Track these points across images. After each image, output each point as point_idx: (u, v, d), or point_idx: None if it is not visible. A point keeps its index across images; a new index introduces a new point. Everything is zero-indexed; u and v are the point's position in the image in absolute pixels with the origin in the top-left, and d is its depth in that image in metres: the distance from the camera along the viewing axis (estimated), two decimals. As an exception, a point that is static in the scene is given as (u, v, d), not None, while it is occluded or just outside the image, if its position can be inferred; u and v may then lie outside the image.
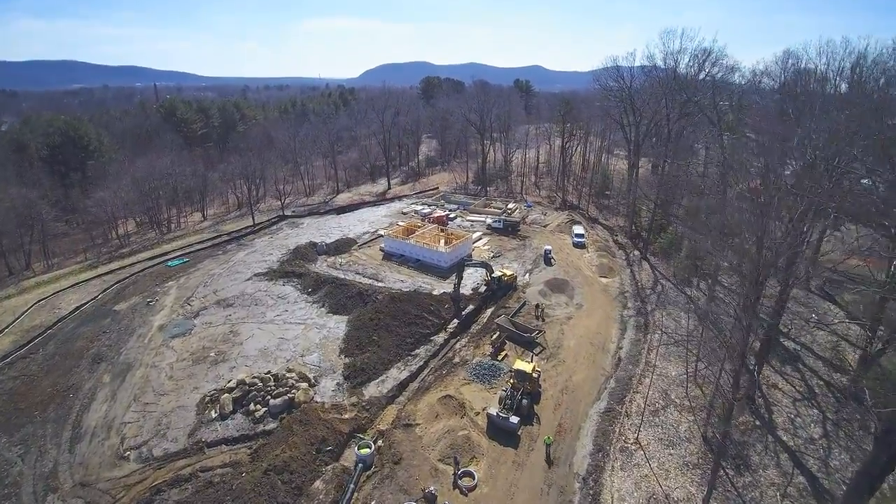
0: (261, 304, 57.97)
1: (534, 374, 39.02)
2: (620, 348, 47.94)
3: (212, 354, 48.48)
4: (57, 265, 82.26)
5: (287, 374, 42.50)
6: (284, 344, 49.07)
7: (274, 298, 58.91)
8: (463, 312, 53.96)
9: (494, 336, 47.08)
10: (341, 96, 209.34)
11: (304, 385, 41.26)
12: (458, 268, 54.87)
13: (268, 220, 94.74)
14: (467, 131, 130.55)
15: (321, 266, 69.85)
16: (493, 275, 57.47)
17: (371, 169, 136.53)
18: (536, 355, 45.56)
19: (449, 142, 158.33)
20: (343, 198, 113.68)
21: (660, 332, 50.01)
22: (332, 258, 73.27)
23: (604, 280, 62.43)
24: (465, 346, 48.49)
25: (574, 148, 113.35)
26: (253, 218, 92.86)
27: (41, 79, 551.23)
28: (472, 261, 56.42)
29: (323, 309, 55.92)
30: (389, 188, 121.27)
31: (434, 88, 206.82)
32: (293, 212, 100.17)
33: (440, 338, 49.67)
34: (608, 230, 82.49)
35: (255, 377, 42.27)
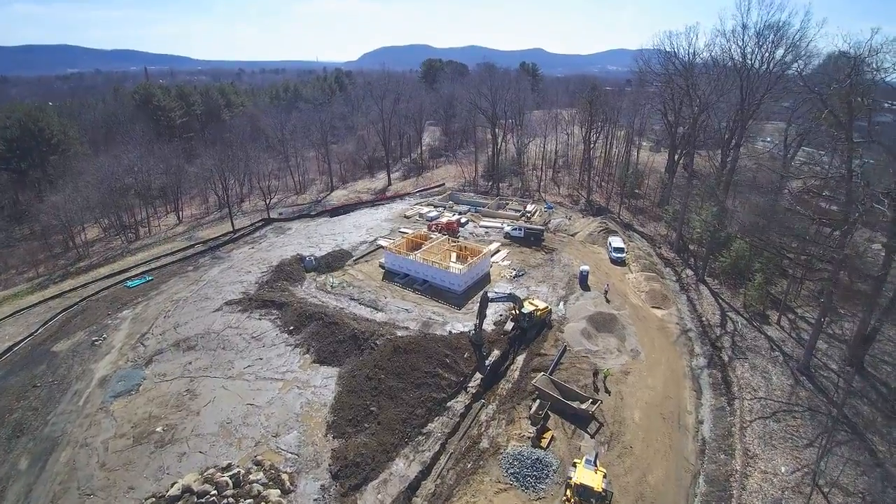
0: (229, 347, 45.98)
1: (603, 490, 27.24)
2: (701, 422, 36.11)
3: (159, 429, 36.67)
4: (5, 282, 70.39)
5: (252, 474, 30.65)
6: (254, 414, 37.19)
7: (246, 339, 46.89)
8: (486, 362, 42.05)
9: (534, 407, 35.09)
10: (337, 80, 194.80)
11: (275, 493, 29.48)
12: (481, 302, 42.80)
13: (250, 225, 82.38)
14: (475, 118, 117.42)
15: (308, 288, 57.86)
16: (522, 309, 45.41)
17: (369, 162, 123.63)
18: (592, 436, 33.75)
19: (454, 131, 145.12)
20: (338, 195, 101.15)
21: (748, 395, 38.18)
22: (323, 277, 61.25)
23: (658, 312, 50.32)
24: (493, 417, 36.57)
25: (595, 138, 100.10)
26: (232, 223, 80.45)
27: (35, 64, 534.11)
28: (496, 293, 44.46)
29: (307, 356, 43.95)
30: (390, 184, 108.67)
31: (436, 72, 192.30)
32: (280, 214, 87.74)
33: (459, 403, 37.76)
34: (648, 240, 70.12)
35: (207, 478, 30.45)
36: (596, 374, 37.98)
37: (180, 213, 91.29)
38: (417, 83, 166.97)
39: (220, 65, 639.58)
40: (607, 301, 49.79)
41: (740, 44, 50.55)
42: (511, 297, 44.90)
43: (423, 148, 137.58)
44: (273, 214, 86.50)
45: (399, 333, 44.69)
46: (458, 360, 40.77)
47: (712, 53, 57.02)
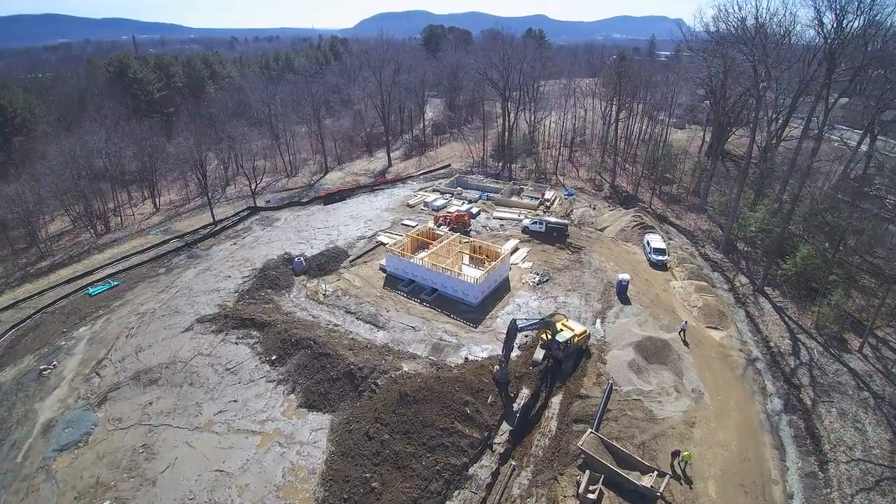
0: (198, 382, 37.88)
1: None
2: (791, 496, 28.26)
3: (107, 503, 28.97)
4: (-42, 283, 62.06)
5: None
6: (224, 486, 29.32)
7: (219, 372, 38.76)
8: (515, 406, 34.09)
9: (583, 482, 27.11)
10: (332, 48, 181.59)
11: None
12: (508, 333, 34.53)
13: (234, 215, 73.43)
14: (483, 91, 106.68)
15: (297, 298, 49.74)
16: (556, 336, 37.17)
17: (367, 139, 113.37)
18: (660, 525, 25.94)
19: (459, 104, 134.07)
20: (333, 178, 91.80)
21: (843, 455, 30.26)
22: (314, 282, 53.00)
23: (716, 335, 42.02)
24: (528, 491, 28.68)
25: (619, 114, 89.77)
26: (213, 214, 71.36)
27: (24, 34, 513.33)
28: (527, 321, 36.15)
29: (292, 397, 35.92)
30: (390, 164, 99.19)
31: (439, 39, 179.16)
32: (267, 202, 78.62)
33: (485, 469, 29.87)
34: (687, 236, 61.32)
35: None
36: (675, 455, 29.12)
37: (157, 199, 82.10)
38: (418, 51, 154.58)
39: (214, 33, 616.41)
40: (685, 344, 39.63)
41: (823, 5, 40.60)
42: (543, 323, 36.61)
43: (426, 123, 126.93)
44: (260, 202, 77.44)
45: (405, 367, 36.57)
46: (480, 409, 32.71)
47: (779, 19, 47.18)
